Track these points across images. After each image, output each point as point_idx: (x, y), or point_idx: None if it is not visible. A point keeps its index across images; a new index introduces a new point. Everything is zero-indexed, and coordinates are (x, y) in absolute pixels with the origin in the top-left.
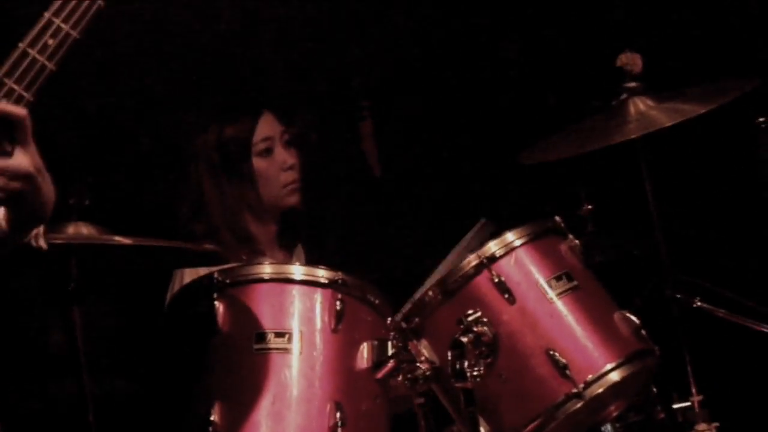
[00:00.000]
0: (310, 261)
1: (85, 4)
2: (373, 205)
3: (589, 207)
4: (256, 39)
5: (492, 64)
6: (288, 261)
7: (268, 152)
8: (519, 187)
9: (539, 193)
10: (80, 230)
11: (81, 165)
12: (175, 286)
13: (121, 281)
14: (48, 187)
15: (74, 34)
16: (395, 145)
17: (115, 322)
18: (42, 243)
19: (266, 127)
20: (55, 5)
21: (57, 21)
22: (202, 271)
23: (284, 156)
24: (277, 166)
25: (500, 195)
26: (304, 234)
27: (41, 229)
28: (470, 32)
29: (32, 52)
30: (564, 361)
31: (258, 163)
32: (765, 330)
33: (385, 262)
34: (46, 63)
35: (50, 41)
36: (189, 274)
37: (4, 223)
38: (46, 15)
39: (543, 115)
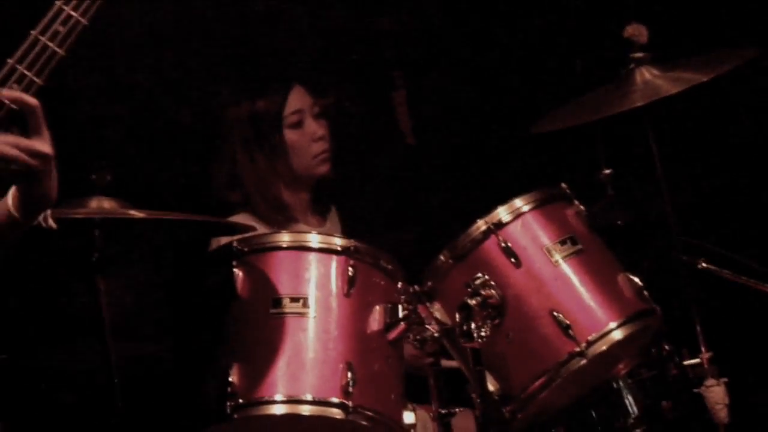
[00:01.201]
0: (345, 225)
1: None
2: (406, 171)
3: (608, 171)
4: (288, 11)
5: (520, 35)
6: (321, 226)
7: (298, 125)
8: (539, 155)
9: (556, 159)
10: (102, 204)
11: (106, 140)
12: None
13: (143, 251)
14: (54, 173)
15: (83, 21)
16: (428, 113)
17: (140, 289)
18: (51, 223)
19: (297, 100)
20: None
21: (67, 9)
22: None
23: (314, 127)
24: (307, 137)
25: (522, 162)
26: (337, 200)
27: (48, 211)
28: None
29: (43, 39)
30: (567, 321)
31: (289, 135)
32: (767, 289)
33: (417, 227)
34: (57, 49)
35: (60, 28)
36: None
37: (13, 208)
38: (57, 3)
39: (556, 88)
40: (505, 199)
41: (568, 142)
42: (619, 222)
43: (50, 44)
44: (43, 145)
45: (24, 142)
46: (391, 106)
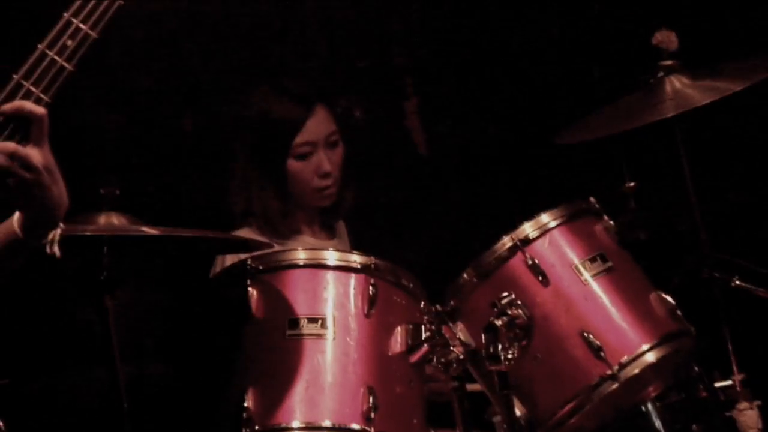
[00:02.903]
0: (354, 240)
1: (105, 3)
2: (418, 182)
3: (632, 184)
4: (295, 15)
5: (534, 40)
6: (330, 240)
7: (306, 156)
8: (560, 167)
9: (581, 172)
10: (111, 220)
11: (114, 155)
12: (216, 270)
13: (153, 269)
14: (59, 191)
15: (93, 34)
16: (441, 122)
17: (149, 309)
18: (56, 250)
19: (313, 129)
20: (75, 6)
21: (76, 21)
22: (243, 256)
23: (322, 160)
24: (312, 170)
25: (542, 175)
26: (347, 213)
27: (56, 234)
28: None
29: (51, 54)
30: (598, 342)
31: (292, 165)
32: None
33: (429, 242)
34: (65, 64)
35: (69, 42)
36: (231, 259)
37: (18, 228)
38: (66, 15)
39: (580, 96)
40: (523, 214)
41: (591, 154)
42: (642, 237)
43: (58, 59)
44: (37, 156)
45: (20, 152)
46: (402, 115)
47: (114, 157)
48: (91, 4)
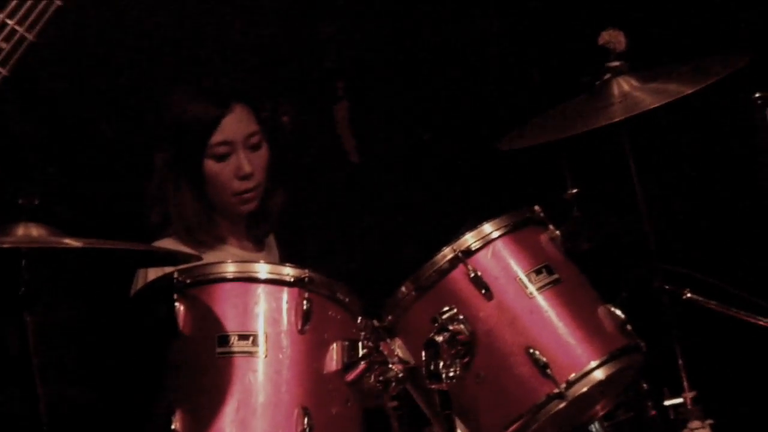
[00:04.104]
0: (284, 252)
1: (42, 4)
2: (350, 192)
3: (574, 191)
4: (220, 14)
5: (472, 41)
6: (258, 251)
7: (224, 157)
8: (501, 173)
9: (522, 178)
10: (30, 232)
11: (32, 161)
12: (138, 286)
13: (75, 284)
14: None
15: (30, 37)
16: (372, 128)
17: (70, 326)
18: None
19: (230, 127)
20: (10, 6)
21: (11, 23)
22: (168, 269)
23: (241, 163)
24: (230, 172)
25: (482, 181)
26: (275, 224)
27: None
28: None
29: None
30: (544, 359)
31: (210, 166)
32: (758, 322)
33: (362, 254)
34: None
35: (3, 45)
36: (153, 273)
37: None
38: (0, 17)
39: (523, 99)
40: (465, 223)
41: (537, 160)
42: (585, 247)
43: None
44: None
45: None
46: (332, 120)
47: (33, 166)
48: (27, 5)
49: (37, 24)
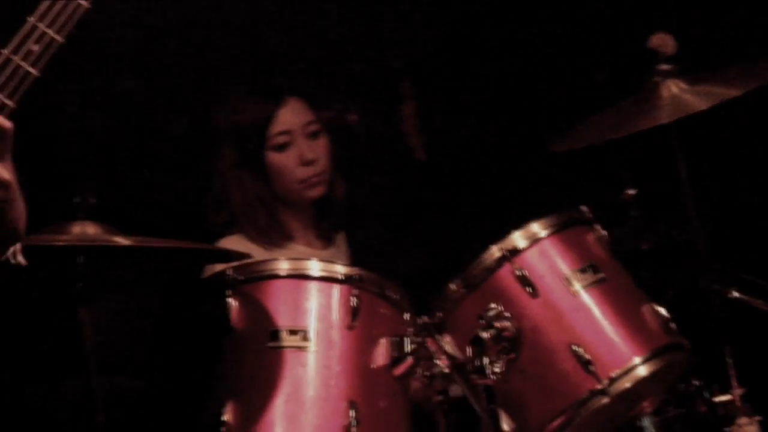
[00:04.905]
0: (353, 250)
1: (71, 7)
2: (415, 190)
3: (633, 192)
4: (288, 18)
5: (533, 42)
6: (326, 249)
7: (285, 146)
8: (558, 174)
9: (580, 179)
10: (86, 230)
11: (90, 161)
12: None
13: (130, 280)
14: (20, 205)
15: (59, 39)
16: (439, 127)
17: (126, 320)
18: (21, 259)
19: (288, 117)
20: (40, 9)
21: (42, 26)
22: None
23: (302, 150)
24: (294, 160)
25: (540, 181)
26: (344, 222)
27: (18, 245)
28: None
29: (16, 59)
30: (588, 356)
31: (273, 156)
32: None
33: (428, 252)
34: (30, 70)
35: (34, 47)
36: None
37: None
38: (31, 20)
39: (576, 100)
40: (517, 222)
41: (590, 160)
42: (644, 247)
43: (23, 64)
44: (4, 171)
45: None
46: (399, 119)
47: (99, 163)
48: (57, 7)
49: (66, 26)
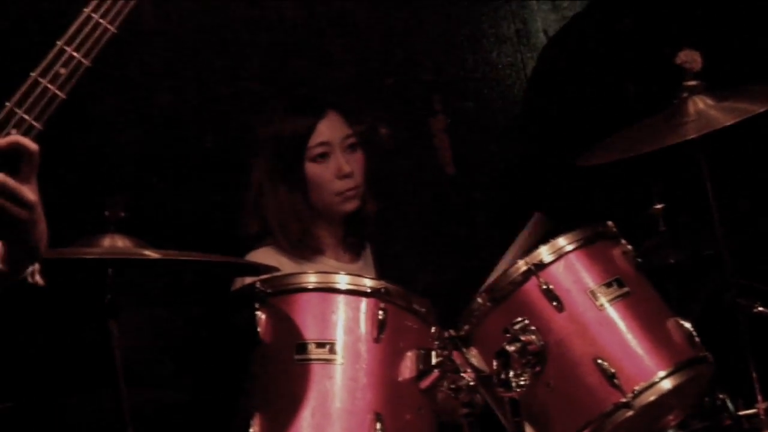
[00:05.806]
0: (380, 264)
1: (98, 31)
2: (445, 204)
3: (660, 206)
4: (321, 34)
5: (561, 58)
6: (354, 263)
7: (323, 157)
8: (588, 188)
9: (608, 194)
10: (116, 243)
11: (120, 175)
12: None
13: (159, 292)
14: (42, 226)
15: (86, 62)
16: (469, 141)
17: (156, 332)
18: (38, 279)
19: (327, 129)
20: (68, 33)
21: (69, 50)
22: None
23: (340, 163)
24: (331, 173)
25: (569, 196)
26: (372, 236)
27: (36, 266)
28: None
29: (43, 82)
30: (612, 369)
31: (311, 168)
32: None
33: (457, 266)
34: (57, 92)
35: (62, 70)
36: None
37: (1, 262)
38: (59, 43)
39: (605, 115)
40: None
41: (618, 175)
42: (671, 260)
43: (51, 87)
44: (30, 193)
45: (10, 186)
46: (429, 133)
47: (129, 177)
48: (85, 32)
49: (93, 51)
